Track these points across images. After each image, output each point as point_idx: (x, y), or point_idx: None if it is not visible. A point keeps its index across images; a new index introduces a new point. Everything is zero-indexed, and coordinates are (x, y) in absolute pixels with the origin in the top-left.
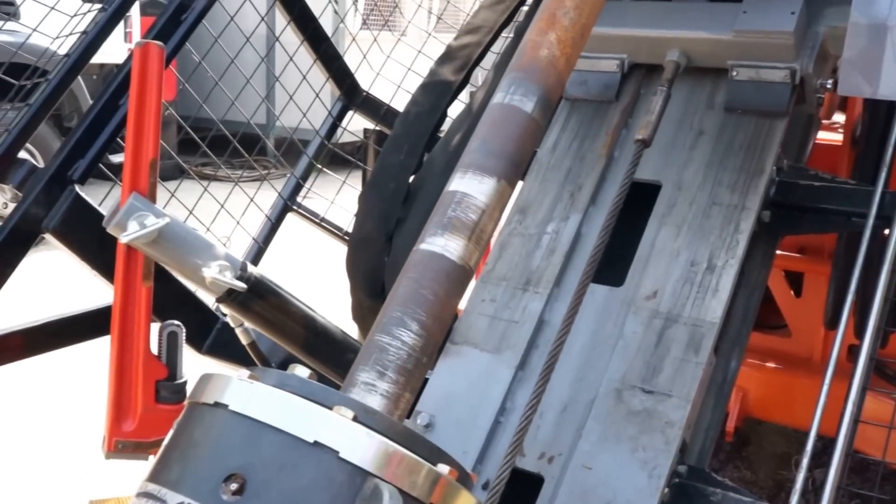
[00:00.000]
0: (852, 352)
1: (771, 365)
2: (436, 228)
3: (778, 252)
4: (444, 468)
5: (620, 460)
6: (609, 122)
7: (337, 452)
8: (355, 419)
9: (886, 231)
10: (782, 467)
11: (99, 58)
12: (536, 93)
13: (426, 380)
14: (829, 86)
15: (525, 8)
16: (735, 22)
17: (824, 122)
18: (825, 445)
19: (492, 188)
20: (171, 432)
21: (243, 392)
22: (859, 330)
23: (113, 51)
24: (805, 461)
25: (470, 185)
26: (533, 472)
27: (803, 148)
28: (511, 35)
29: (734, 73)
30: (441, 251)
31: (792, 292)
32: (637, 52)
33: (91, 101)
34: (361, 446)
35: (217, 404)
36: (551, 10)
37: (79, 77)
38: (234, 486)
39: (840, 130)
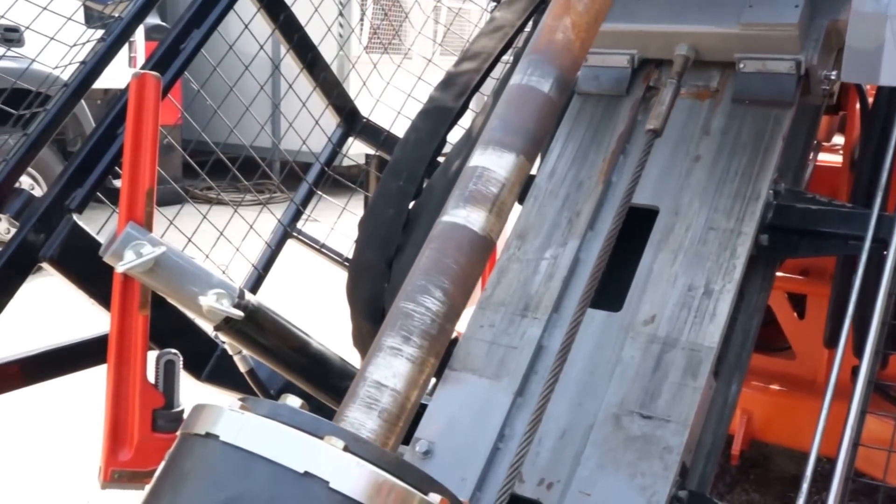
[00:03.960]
0: (855, 373)
1: (775, 387)
2: (457, 201)
3: (780, 274)
4: (435, 497)
5: (619, 486)
6: (621, 115)
7: (327, 483)
8: (346, 449)
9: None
10: (791, 490)
11: (103, 83)
12: (553, 74)
13: (424, 406)
14: (833, 76)
15: (524, 34)
16: (741, 16)
17: (825, 144)
18: (834, 467)
19: (511, 163)
20: (162, 463)
21: (234, 423)
22: (858, 350)
23: (117, 76)
24: (805, 485)
25: (490, 160)
26: (532, 498)
27: (802, 169)
28: (510, 61)
29: (742, 66)
30: (463, 222)
31: (795, 314)
32: (647, 48)
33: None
34: (352, 476)
35: (208, 435)
36: None
37: (83, 102)
38: None
39: (840, 152)
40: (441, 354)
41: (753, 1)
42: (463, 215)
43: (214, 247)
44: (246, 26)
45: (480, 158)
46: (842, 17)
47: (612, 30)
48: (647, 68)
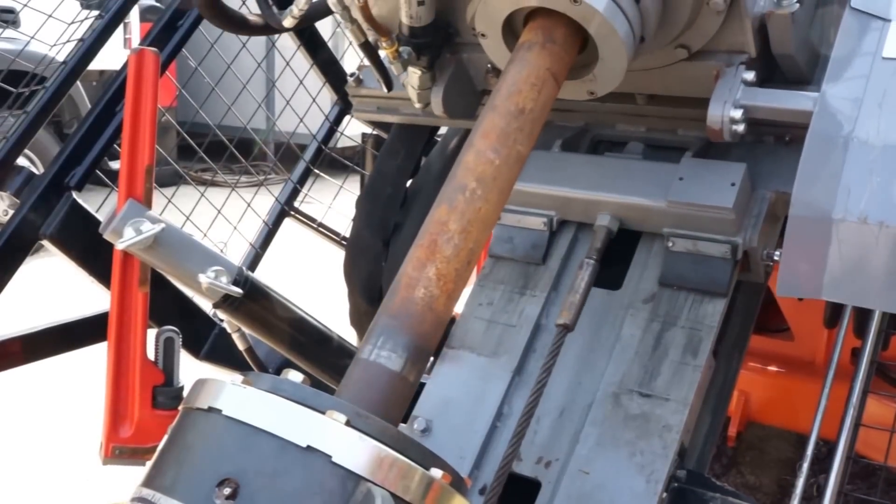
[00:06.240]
0: (855, 355)
1: (773, 369)
2: None
3: None
4: (437, 472)
5: (618, 465)
6: (538, 287)
7: (329, 457)
8: (348, 423)
9: None
10: (787, 472)
11: (98, 64)
12: (408, 347)
13: (422, 384)
14: (776, 257)
15: None
16: (670, 190)
17: None
18: (831, 450)
19: None
20: (165, 437)
21: (237, 397)
22: (859, 330)
23: (112, 57)
24: (805, 466)
25: None
26: (530, 476)
27: None
28: None
29: (670, 244)
30: None
31: None
32: (566, 211)
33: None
34: (354, 451)
35: (211, 409)
36: (432, 235)
37: (78, 83)
38: (227, 491)
39: None
40: None
41: (684, 172)
42: None
43: (211, 227)
44: (244, 2)
45: None
46: (788, 189)
47: (528, 189)
48: (567, 230)
